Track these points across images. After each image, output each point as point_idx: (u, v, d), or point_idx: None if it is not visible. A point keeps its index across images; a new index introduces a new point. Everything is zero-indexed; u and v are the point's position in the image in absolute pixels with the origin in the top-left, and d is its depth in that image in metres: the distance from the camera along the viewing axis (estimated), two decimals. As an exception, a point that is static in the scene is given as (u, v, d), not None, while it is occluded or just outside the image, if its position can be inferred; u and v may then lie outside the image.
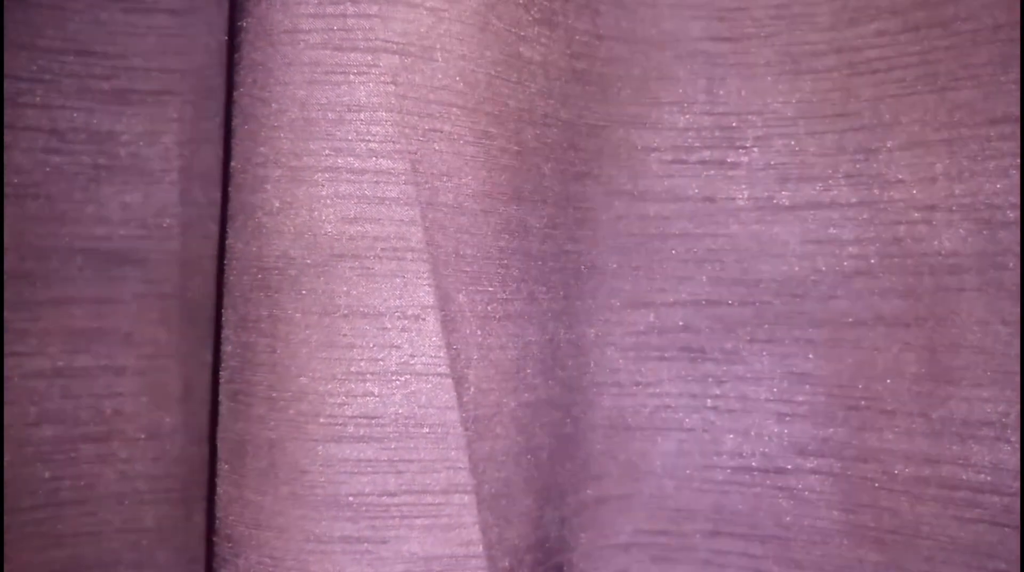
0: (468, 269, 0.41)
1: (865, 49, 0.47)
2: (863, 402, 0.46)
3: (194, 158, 0.52)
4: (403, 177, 0.39)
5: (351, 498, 0.38)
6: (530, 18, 0.44)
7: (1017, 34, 0.43)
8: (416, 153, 0.39)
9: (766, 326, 0.48)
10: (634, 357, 0.49)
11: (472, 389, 0.41)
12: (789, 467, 0.48)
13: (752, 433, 0.48)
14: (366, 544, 0.38)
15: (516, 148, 0.43)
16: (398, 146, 0.39)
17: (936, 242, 0.45)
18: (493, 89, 0.42)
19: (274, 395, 0.38)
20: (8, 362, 0.48)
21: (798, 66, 0.48)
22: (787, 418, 0.48)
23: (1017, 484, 0.43)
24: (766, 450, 0.48)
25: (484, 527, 0.40)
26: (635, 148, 0.49)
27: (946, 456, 0.44)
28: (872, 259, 0.46)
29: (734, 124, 0.49)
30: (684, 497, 0.49)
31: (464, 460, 0.39)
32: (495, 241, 0.42)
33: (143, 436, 0.51)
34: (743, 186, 0.48)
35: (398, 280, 0.39)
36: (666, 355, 0.49)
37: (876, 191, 0.46)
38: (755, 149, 0.48)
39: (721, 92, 0.49)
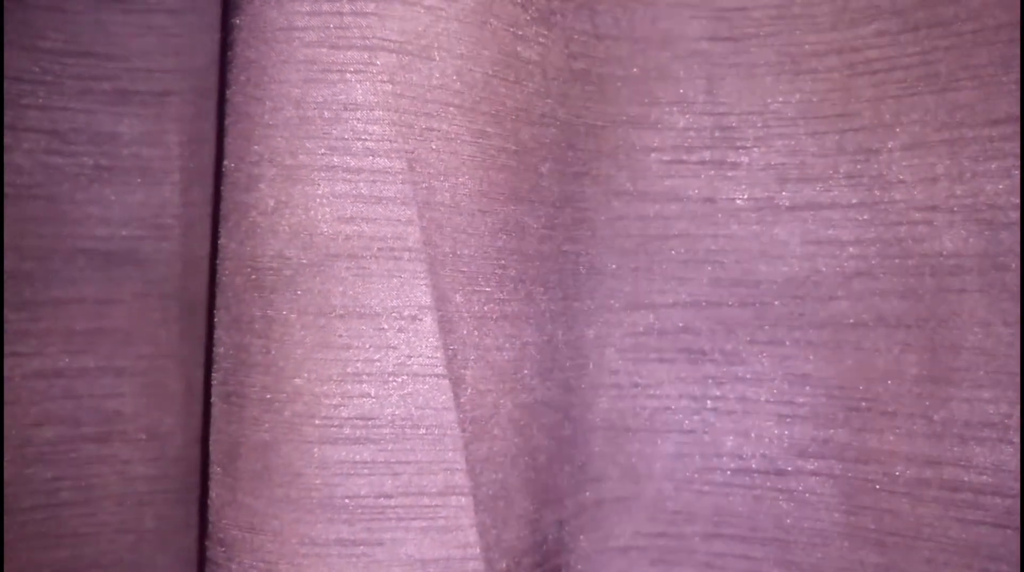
0: (465, 269, 0.41)
1: (865, 49, 0.46)
2: (864, 404, 0.46)
3: (195, 158, 0.52)
4: (400, 176, 0.38)
5: (347, 500, 0.38)
6: (528, 17, 0.44)
7: (1018, 34, 0.43)
8: (413, 152, 0.39)
9: (766, 327, 0.48)
10: (633, 358, 0.49)
11: (469, 390, 0.41)
12: (789, 469, 0.47)
13: (752, 435, 0.48)
14: (362, 547, 0.38)
15: (514, 148, 0.43)
16: (395, 145, 0.38)
17: (937, 243, 0.45)
18: (490, 88, 0.42)
19: (268, 396, 0.38)
20: (8, 362, 0.48)
21: (798, 66, 0.48)
22: (787, 420, 0.47)
23: (1019, 486, 0.43)
24: (766, 452, 0.48)
25: (481, 529, 0.40)
26: (634, 148, 0.49)
27: (947, 458, 0.44)
28: (873, 260, 0.46)
29: (734, 124, 0.48)
30: (684, 499, 0.49)
31: (461, 462, 0.39)
32: (492, 241, 0.42)
33: (143, 437, 0.51)
34: (743, 186, 0.48)
35: (395, 280, 0.38)
36: (665, 356, 0.49)
37: (877, 192, 0.46)
38: (755, 149, 0.48)
39: (721, 92, 0.49)
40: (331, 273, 0.38)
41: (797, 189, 0.48)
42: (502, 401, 0.42)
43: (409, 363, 0.39)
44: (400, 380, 0.38)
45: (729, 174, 0.49)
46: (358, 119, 0.38)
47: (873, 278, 0.46)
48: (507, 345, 0.43)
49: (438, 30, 0.40)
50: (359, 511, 0.38)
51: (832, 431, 0.47)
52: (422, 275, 0.39)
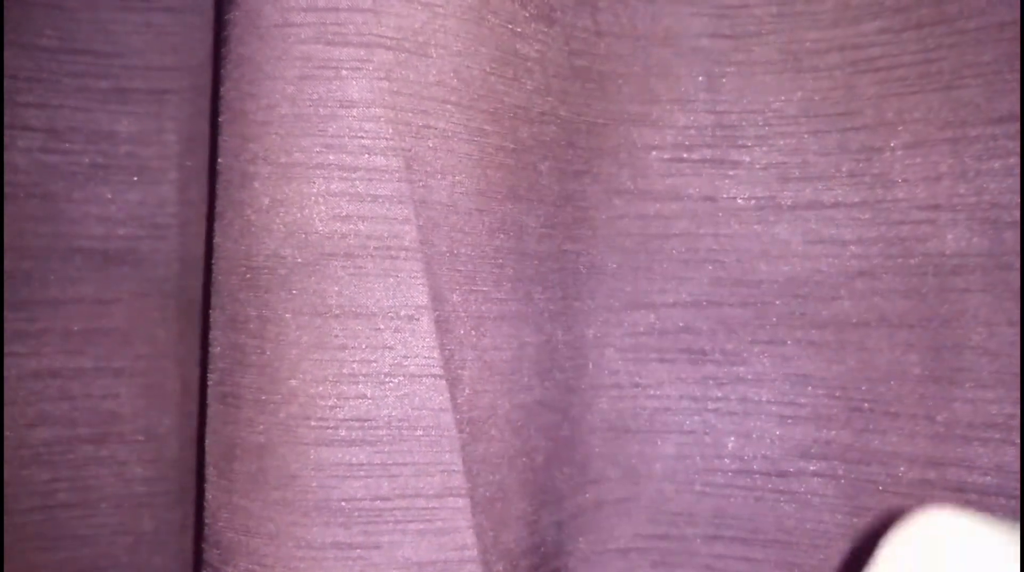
0: (463, 268, 0.41)
1: (868, 47, 0.46)
2: (866, 404, 0.46)
3: (193, 157, 0.51)
4: (396, 174, 0.38)
5: (343, 503, 0.38)
6: (527, 14, 0.43)
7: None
8: (410, 150, 0.39)
9: (768, 327, 0.48)
10: (633, 358, 0.49)
11: (467, 391, 0.40)
12: (791, 470, 0.47)
13: (754, 436, 0.48)
14: (359, 550, 0.38)
15: (512, 146, 0.43)
16: (391, 143, 0.38)
17: (940, 242, 0.44)
18: (489, 86, 0.42)
19: (264, 397, 0.38)
20: (6, 363, 0.48)
21: (800, 64, 0.47)
22: (789, 420, 0.47)
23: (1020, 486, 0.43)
24: (768, 453, 0.48)
25: (479, 531, 0.40)
26: (635, 146, 0.49)
27: (950, 459, 0.44)
28: (875, 259, 0.46)
29: (735, 122, 0.48)
30: (684, 501, 0.49)
31: (458, 463, 0.39)
32: (490, 240, 0.42)
33: (141, 438, 0.51)
34: (744, 185, 0.48)
35: (391, 280, 0.38)
36: (666, 357, 0.49)
37: (879, 191, 0.46)
38: (756, 148, 0.48)
39: (722, 90, 0.48)
40: (327, 272, 0.38)
41: (799, 188, 0.47)
42: (500, 402, 0.42)
43: (406, 364, 0.38)
44: (396, 381, 0.38)
45: (730, 173, 0.48)
46: (354, 116, 0.38)
47: (875, 278, 0.46)
48: (505, 345, 0.43)
49: (435, 27, 0.39)
50: (356, 514, 0.38)
51: (834, 432, 0.46)
52: (419, 274, 0.38)
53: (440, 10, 0.39)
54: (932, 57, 0.45)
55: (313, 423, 0.38)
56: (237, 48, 0.39)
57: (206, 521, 0.41)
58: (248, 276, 0.39)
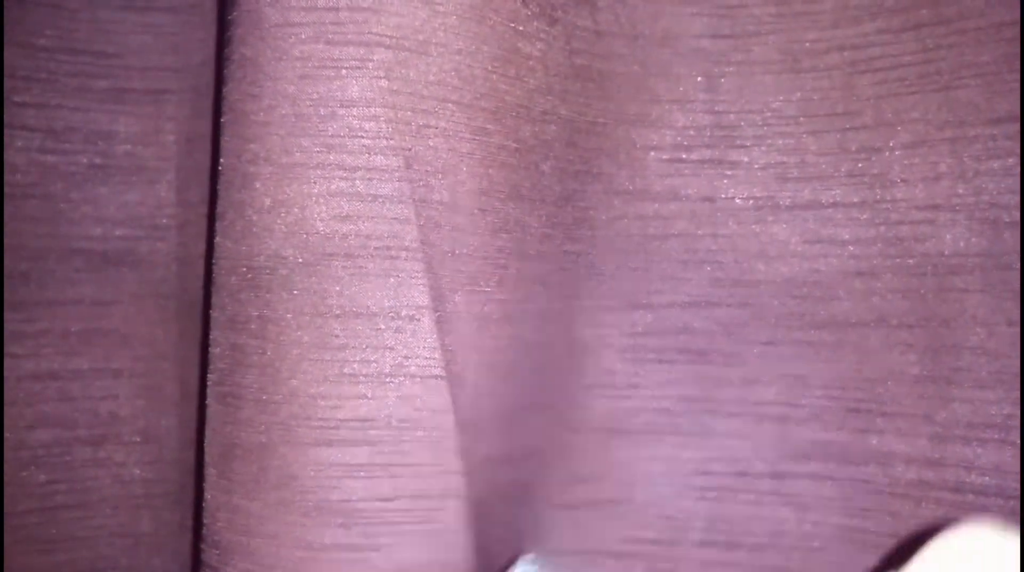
0: (464, 268, 0.41)
1: (867, 47, 0.46)
2: (864, 405, 0.46)
3: (192, 157, 0.51)
4: (397, 174, 0.38)
5: (343, 504, 0.38)
6: (528, 13, 0.43)
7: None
8: (410, 150, 0.39)
9: (766, 328, 0.48)
10: (631, 359, 0.49)
11: (468, 391, 0.40)
12: (789, 471, 0.47)
13: (751, 437, 0.48)
14: (359, 551, 0.38)
15: (514, 145, 0.43)
16: (392, 142, 0.38)
17: (939, 242, 0.44)
18: (490, 84, 0.42)
19: (264, 398, 0.38)
20: (4, 364, 0.48)
21: (799, 64, 0.47)
22: (787, 422, 0.47)
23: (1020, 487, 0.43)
24: (765, 454, 0.47)
25: (479, 532, 0.40)
26: (634, 146, 0.49)
27: (949, 459, 0.44)
28: (874, 259, 0.46)
29: (734, 122, 0.48)
30: (680, 503, 0.48)
31: (459, 464, 0.39)
32: (492, 240, 0.42)
33: (139, 439, 0.51)
34: (743, 185, 0.48)
35: (392, 280, 0.38)
36: (664, 357, 0.49)
37: (878, 191, 0.46)
38: (755, 148, 0.48)
39: (721, 90, 0.48)
40: (327, 272, 0.38)
41: (797, 188, 0.47)
42: (500, 402, 0.42)
43: (406, 364, 0.38)
44: (397, 381, 0.38)
45: (729, 173, 0.48)
46: (354, 116, 0.38)
47: (874, 278, 0.46)
48: (507, 346, 0.43)
49: (435, 25, 0.39)
50: (356, 515, 0.38)
51: (832, 433, 0.46)
52: (419, 275, 0.38)
53: (441, 8, 0.39)
54: (931, 57, 0.45)
55: (313, 423, 0.38)
56: (239, 49, 0.39)
57: (205, 522, 0.40)
58: (249, 276, 0.39)
